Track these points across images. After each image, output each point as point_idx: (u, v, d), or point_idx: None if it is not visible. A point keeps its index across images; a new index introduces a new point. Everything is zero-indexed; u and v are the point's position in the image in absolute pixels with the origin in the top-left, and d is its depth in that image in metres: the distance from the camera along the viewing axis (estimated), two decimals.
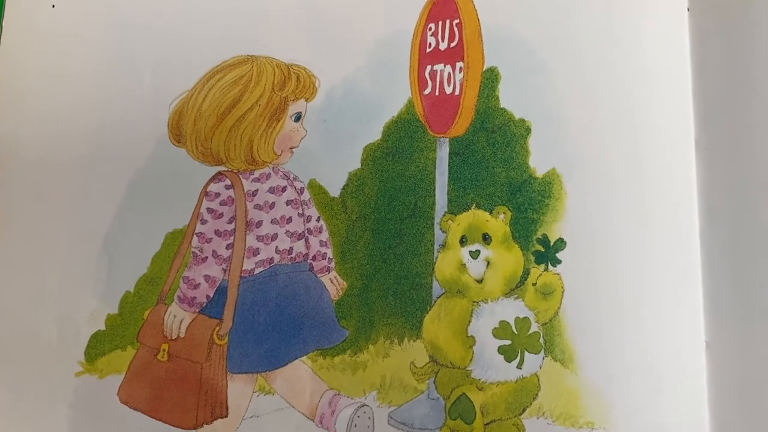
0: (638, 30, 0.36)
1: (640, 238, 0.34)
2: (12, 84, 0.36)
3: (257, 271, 0.34)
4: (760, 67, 0.36)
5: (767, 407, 0.34)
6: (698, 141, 0.36)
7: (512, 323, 0.33)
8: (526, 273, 0.33)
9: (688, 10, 0.38)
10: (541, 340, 0.33)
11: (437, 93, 0.35)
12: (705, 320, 0.34)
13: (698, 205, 0.35)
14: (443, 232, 0.34)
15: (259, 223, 0.34)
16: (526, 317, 0.33)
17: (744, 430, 0.34)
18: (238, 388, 0.33)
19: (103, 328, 0.34)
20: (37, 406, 0.34)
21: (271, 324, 0.33)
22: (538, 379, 0.33)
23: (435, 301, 0.33)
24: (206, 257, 0.34)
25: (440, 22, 0.35)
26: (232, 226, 0.34)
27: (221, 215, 0.34)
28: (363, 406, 0.33)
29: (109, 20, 0.37)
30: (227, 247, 0.34)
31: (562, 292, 0.33)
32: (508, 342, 0.33)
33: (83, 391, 0.34)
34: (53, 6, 0.38)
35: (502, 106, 0.35)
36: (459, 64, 0.35)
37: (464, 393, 0.32)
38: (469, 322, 0.33)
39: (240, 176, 0.34)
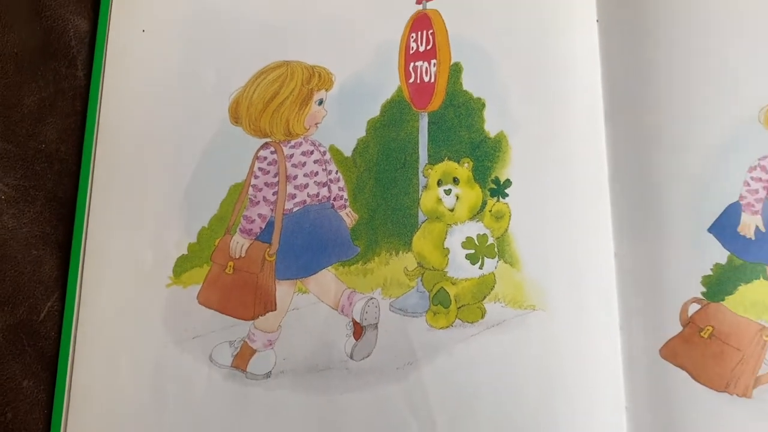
0: (560, 35, 0.48)
1: (562, 178, 0.45)
2: (117, 83, 0.50)
3: (295, 209, 0.46)
4: (651, 62, 0.48)
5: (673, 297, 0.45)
6: (606, 112, 0.48)
7: (475, 238, 0.45)
8: (484, 203, 0.45)
9: (597, 21, 0.51)
10: (496, 249, 0.45)
11: (418, 81, 0.47)
12: (613, 233, 0.45)
13: (606, 155, 0.48)
14: (425, 177, 0.46)
15: (295, 177, 0.47)
16: (484, 234, 0.45)
17: (647, 314, 0.46)
18: (283, 290, 0.45)
19: (186, 252, 0.46)
20: (138, 310, 0.46)
21: (305, 245, 0.46)
22: (494, 276, 0.44)
23: (420, 225, 0.45)
24: (258, 201, 0.46)
25: (420, 32, 0.48)
26: (276, 179, 0.47)
27: (268, 172, 0.47)
28: (371, 299, 0.44)
29: (185, 38, 0.49)
30: (273, 194, 0.47)
31: (510, 215, 0.45)
32: (472, 251, 0.45)
33: (172, 298, 0.45)
34: (143, 30, 0.52)
35: (464, 89, 0.46)
36: (433, 61, 0.48)
37: (443, 287, 0.44)
38: (445, 238, 0.45)
39: (281, 145, 0.47)
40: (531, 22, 0.48)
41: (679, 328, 0.44)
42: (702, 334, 0.44)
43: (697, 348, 0.43)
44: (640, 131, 0.47)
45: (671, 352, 0.43)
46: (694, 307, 0.44)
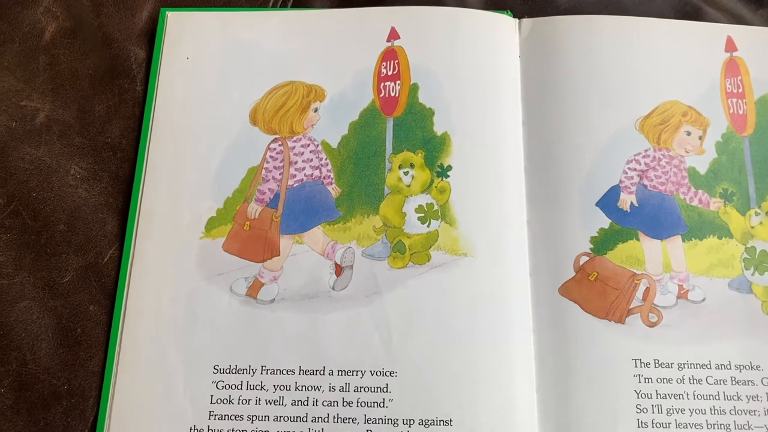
0: (491, 65, 0.64)
1: (490, 165, 0.61)
2: (166, 96, 0.64)
3: (295, 185, 0.62)
4: (557, 84, 0.65)
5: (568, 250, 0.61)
6: (524, 119, 0.64)
7: (425, 205, 0.60)
8: (431, 182, 0.60)
9: (520, 57, 0.69)
10: (439, 213, 0.60)
11: (387, 96, 0.64)
12: (526, 205, 0.61)
13: (523, 150, 0.64)
14: (390, 163, 0.61)
15: (296, 162, 0.63)
16: (431, 203, 0.60)
17: (549, 263, 0.61)
18: (285, 242, 0.60)
19: (214, 215, 0.59)
20: (177, 256, 0.58)
21: (302, 210, 0.61)
22: (438, 232, 0.58)
23: (386, 197, 0.60)
24: (269, 179, 0.62)
25: (388, 62, 0.65)
26: (282, 164, 0.63)
27: (276, 159, 0.63)
28: (349, 247, 0.58)
29: (217, 63, 0.64)
30: (279, 174, 0.62)
31: (450, 190, 0.60)
32: (422, 215, 0.60)
33: (203, 247, 0.58)
34: (187, 58, 0.69)
35: (420, 101, 0.62)
36: (398, 82, 0.64)
37: (400, 239, 0.58)
38: (403, 205, 0.61)
39: (286, 140, 0.64)
40: (469, 56, 0.64)
41: (572, 273, 0.59)
42: (590, 278, 0.59)
43: (585, 288, 0.59)
44: (548, 133, 0.63)
45: (567, 290, 0.59)
46: (584, 259, 0.60)
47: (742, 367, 0.57)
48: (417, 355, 0.56)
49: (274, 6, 0.72)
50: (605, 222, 0.61)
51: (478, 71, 0.64)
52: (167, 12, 0.69)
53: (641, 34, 0.67)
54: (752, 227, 0.61)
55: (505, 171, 0.62)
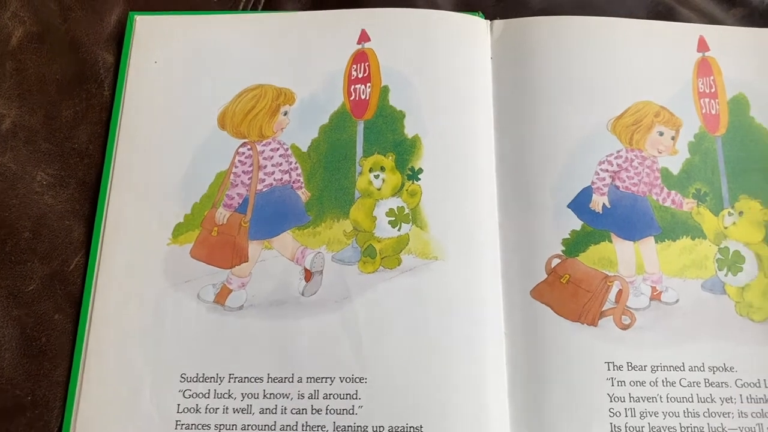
0: (462, 67, 0.63)
1: (461, 167, 0.60)
2: (134, 100, 0.64)
3: (264, 190, 0.61)
4: (529, 86, 0.64)
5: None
6: (495, 120, 0.63)
7: (395, 209, 0.60)
8: (402, 185, 0.60)
9: (491, 58, 0.68)
10: (410, 217, 0.60)
11: (357, 99, 0.63)
12: (498, 208, 0.60)
13: (495, 151, 0.63)
14: (360, 166, 0.61)
15: (265, 167, 0.62)
16: (402, 206, 0.60)
17: (522, 266, 0.61)
18: (254, 247, 0.59)
19: (182, 221, 0.59)
20: (145, 263, 0.58)
21: (271, 215, 0.60)
22: (408, 236, 0.58)
23: (356, 200, 0.59)
24: (237, 184, 0.62)
25: (359, 64, 0.65)
26: (251, 168, 0.62)
27: (245, 163, 0.62)
28: (319, 252, 0.57)
29: (186, 67, 0.63)
30: (248, 178, 0.62)
31: (421, 193, 0.59)
32: (393, 218, 0.59)
33: (171, 253, 0.58)
34: (155, 62, 0.68)
35: (390, 104, 0.62)
36: (368, 84, 0.64)
37: (371, 243, 0.58)
38: (374, 209, 0.60)
39: (255, 144, 0.63)
40: (440, 58, 0.64)
41: (544, 276, 0.59)
42: (562, 280, 0.59)
43: (557, 290, 0.58)
44: (520, 135, 0.63)
45: (539, 293, 0.58)
46: (556, 261, 0.59)
47: (715, 369, 0.57)
48: (387, 360, 0.56)
49: (245, 9, 0.71)
50: (577, 224, 0.60)
51: (449, 73, 0.64)
52: (136, 16, 0.68)
53: (613, 35, 0.66)
54: (725, 228, 0.61)
55: (476, 173, 0.61)
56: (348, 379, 0.55)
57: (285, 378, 0.55)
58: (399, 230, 0.59)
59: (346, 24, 0.66)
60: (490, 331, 0.57)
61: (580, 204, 0.61)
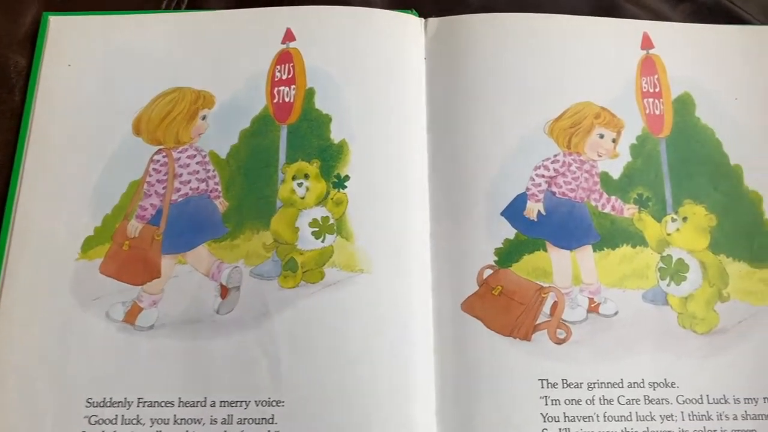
0: (394, 68, 0.60)
1: (391, 174, 0.57)
2: (45, 105, 0.60)
3: (179, 200, 0.58)
4: (463, 88, 0.60)
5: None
6: (428, 124, 0.60)
7: (319, 219, 0.56)
8: (327, 193, 0.56)
9: (425, 58, 0.64)
10: (335, 227, 0.56)
11: (281, 101, 0.60)
12: (430, 217, 0.57)
13: (427, 157, 0.60)
14: (283, 174, 0.57)
15: (181, 175, 0.58)
16: (327, 216, 0.56)
17: (452, 277, 0.57)
18: (167, 262, 0.55)
19: (92, 234, 0.56)
20: (52, 279, 0.54)
21: (186, 227, 0.56)
22: (333, 248, 0.55)
23: (277, 210, 0.56)
24: (151, 194, 0.58)
25: (283, 65, 0.61)
26: (166, 177, 0.58)
27: (160, 171, 0.58)
28: (236, 267, 0.54)
29: (100, 70, 0.60)
30: (163, 188, 0.58)
31: (347, 202, 0.56)
32: (317, 229, 0.56)
33: (80, 269, 0.54)
34: (69, 65, 0.64)
35: (316, 107, 0.58)
36: (293, 86, 0.60)
37: (292, 256, 0.55)
38: (296, 220, 0.57)
39: (171, 151, 0.59)
40: (371, 58, 0.61)
41: (476, 288, 0.56)
42: (493, 292, 0.56)
43: (489, 303, 0.55)
44: (454, 139, 0.59)
45: (470, 306, 0.55)
46: (488, 272, 0.56)
47: (656, 385, 0.54)
48: (307, 382, 0.52)
49: (168, 8, 0.67)
50: (511, 232, 0.57)
51: (379, 74, 0.61)
52: (50, 16, 0.64)
53: (553, 33, 0.63)
54: (668, 234, 0.58)
55: (407, 180, 0.58)
56: (264, 403, 0.52)
57: (197, 402, 0.52)
58: (323, 242, 0.56)
59: (271, 23, 0.62)
60: (418, 348, 0.54)
61: (514, 211, 0.57)
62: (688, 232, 0.58)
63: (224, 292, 0.55)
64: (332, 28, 0.62)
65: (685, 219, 0.58)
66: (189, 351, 0.53)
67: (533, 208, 0.58)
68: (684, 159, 0.60)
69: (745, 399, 0.54)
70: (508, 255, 0.56)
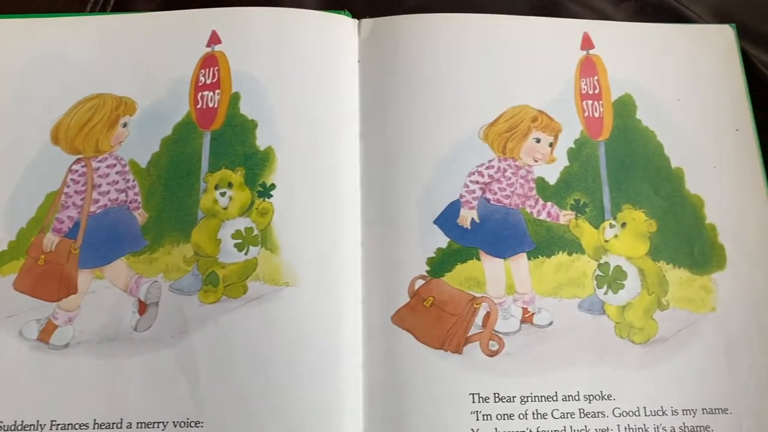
0: (325, 71, 0.58)
1: (320, 182, 0.55)
2: None
3: (97, 211, 0.55)
4: (397, 94, 0.58)
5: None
6: (361, 131, 0.59)
7: (243, 230, 0.54)
8: (252, 203, 0.54)
9: (359, 61, 0.62)
10: (259, 239, 0.54)
11: (204, 107, 0.58)
12: (361, 226, 0.54)
13: (359, 164, 0.58)
14: (205, 183, 0.55)
15: (100, 185, 0.56)
16: (251, 227, 0.54)
17: (383, 289, 0.55)
18: (84, 277, 0.53)
19: (6, 248, 0.53)
20: None
21: (104, 240, 0.54)
22: (257, 260, 0.53)
23: (199, 221, 0.54)
24: (69, 206, 0.55)
25: (208, 69, 0.59)
26: (85, 187, 0.56)
27: (78, 182, 0.56)
28: (155, 282, 0.52)
29: (18, 77, 0.57)
30: (81, 199, 0.56)
31: (272, 212, 0.54)
32: (240, 241, 0.54)
33: None
34: None
35: (241, 113, 0.56)
36: (217, 91, 0.58)
37: (214, 270, 0.52)
38: (218, 231, 0.55)
39: (90, 160, 0.57)
40: (300, 61, 0.59)
41: (407, 299, 0.54)
42: (425, 303, 0.54)
43: (420, 314, 0.53)
44: (387, 145, 0.57)
45: (400, 318, 0.53)
46: (419, 282, 0.54)
47: (591, 398, 0.52)
48: (228, 401, 0.50)
49: (93, 10, 0.64)
50: (443, 241, 0.55)
51: (309, 78, 0.58)
52: None
53: (490, 33, 0.61)
54: (606, 241, 0.56)
55: (338, 188, 0.56)
56: (182, 424, 0.49)
57: (113, 423, 0.50)
58: (246, 254, 0.54)
59: (196, 25, 0.60)
60: (345, 364, 0.52)
61: (446, 219, 0.55)
62: (626, 238, 0.56)
63: (142, 308, 0.52)
64: (259, 30, 0.59)
65: (623, 225, 0.56)
66: (105, 370, 0.51)
67: (467, 216, 0.56)
68: (623, 163, 0.58)
69: (683, 410, 0.52)
70: (440, 265, 0.54)
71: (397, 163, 0.57)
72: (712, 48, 0.64)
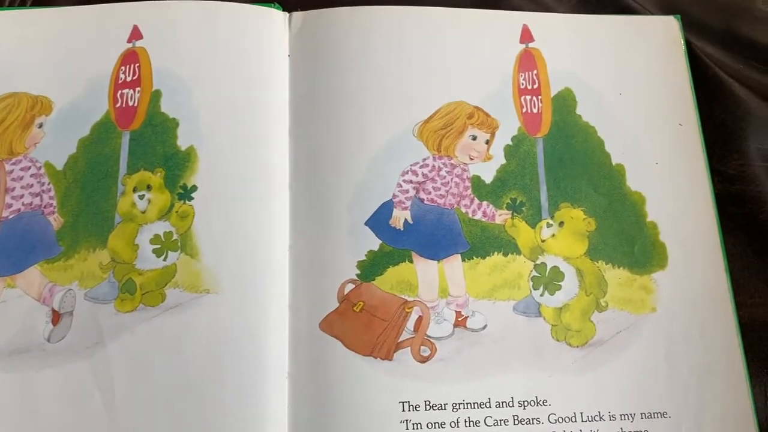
0: (253, 67, 0.55)
1: (246, 183, 0.52)
2: None
3: (10, 217, 0.53)
4: (328, 90, 0.56)
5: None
6: (290, 129, 0.57)
7: (162, 235, 0.52)
8: (172, 206, 0.52)
9: (289, 56, 0.59)
10: (179, 243, 0.52)
11: (124, 105, 0.55)
12: (289, 229, 0.52)
13: (288, 164, 0.55)
14: (123, 185, 0.53)
15: (13, 189, 0.53)
16: (170, 231, 0.52)
17: (312, 294, 0.53)
18: None
19: None
20: None
21: (16, 247, 0.51)
22: (176, 266, 0.50)
23: (116, 226, 0.51)
24: None
25: (129, 65, 0.57)
26: None
27: None
28: (69, 290, 0.50)
29: None
30: None
31: (193, 215, 0.51)
32: (158, 246, 0.52)
33: None
34: None
35: (162, 111, 0.54)
36: (138, 89, 0.55)
37: (131, 277, 0.50)
38: (136, 236, 0.52)
39: (3, 162, 0.54)
40: (227, 57, 0.56)
41: (336, 305, 0.52)
42: (354, 308, 0.52)
43: (349, 320, 0.51)
44: (318, 143, 0.55)
45: (328, 324, 0.51)
46: (349, 287, 0.52)
47: (526, 404, 0.50)
48: (145, 415, 0.48)
49: (12, 5, 0.61)
50: (375, 243, 0.53)
51: (236, 74, 0.56)
52: None
53: (426, 27, 0.59)
54: (543, 241, 0.54)
55: (264, 189, 0.54)
56: None
57: None
58: (165, 260, 0.51)
59: (116, 20, 0.57)
60: (271, 374, 0.49)
61: (378, 221, 0.53)
62: (564, 237, 0.54)
63: (56, 317, 0.50)
64: (183, 25, 0.57)
65: (561, 224, 0.55)
66: (16, 385, 0.48)
67: (400, 217, 0.54)
68: (562, 160, 0.57)
69: (621, 415, 0.51)
70: (371, 268, 0.52)
71: (328, 163, 0.55)
72: (656, 40, 0.62)
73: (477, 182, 0.55)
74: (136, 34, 0.56)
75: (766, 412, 0.53)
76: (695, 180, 0.58)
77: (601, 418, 0.50)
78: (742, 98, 0.62)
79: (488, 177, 0.55)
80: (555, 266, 0.54)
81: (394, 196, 0.54)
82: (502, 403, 0.50)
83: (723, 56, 0.65)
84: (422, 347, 0.51)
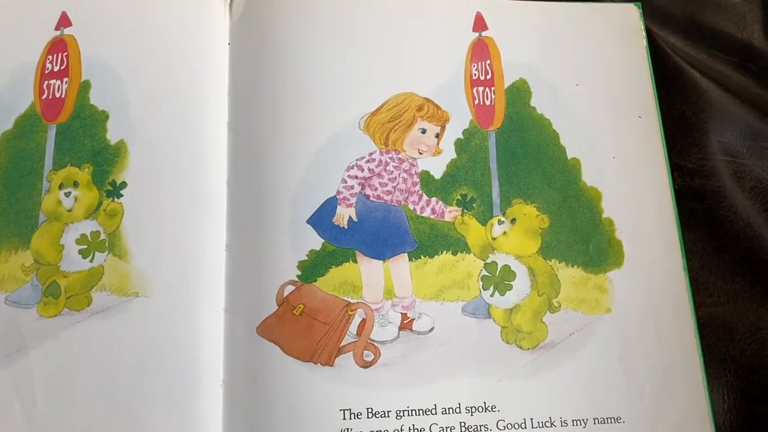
0: (192, 56, 0.52)
1: (181, 180, 0.49)
2: None
3: None
4: (270, 81, 0.53)
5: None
6: (229, 122, 0.53)
7: (88, 235, 0.49)
8: (99, 203, 0.49)
9: (229, 44, 0.57)
10: (107, 244, 0.49)
11: (50, 97, 0.51)
12: (226, 227, 0.49)
13: (227, 160, 0.53)
14: (48, 182, 0.50)
15: None
16: (98, 230, 0.49)
17: (249, 296, 0.51)
18: None
19: None
20: None
21: None
22: (103, 268, 0.48)
23: (40, 225, 0.49)
24: None
25: (56, 54, 0.53)
26: None
27: None
28: None
29: None
30: None
31: (122, 213, 0.49)
32: (85, 246, 0.49)
33: None
34: None
35: (91, 103, 0.50)
36: (65, 79, 0.51)
37: (55, 280, 0.47)
38: (61, 236, 0.49)
39: None
40: (162, 45, 0.53)
41: (275, 308, 0.49)
42: (294, 311, 0.49)
43: (288, 324, 0.49)
44: (258, 137, 0.52)
45: (266, 329, 0.48)
46: (289, 289, 0.49)
47: (474, 410, 0.48)
48: (69, 426, 0.45)
49: None
50: (317, 242, 0.50)
51: (171, 64, 0.53)
52: None
53: (376, 14, 0.56)
54: (494, 238, 0.52)
55: (200, 185, 0.51)
56: None
57: None
58: (91, 261, 0.48)
59: (43, 5, 0.54)
60: (204, 382, 0.47)
61: (321, 218, 0.51)
62: (516, 235, 0.52)
63: None
64: (115, 11, 0.54)
65: (513, 221, 0.52)
66: None
67: (344, 214, 0.51)
68: (515, 154, 0.54)
69: (573, 421, 0.49)
70: (313, 268, 0.50)
71: (270, 157, 0.52)
72: (614, 28, 0.60)
73: (426, 178, 0.53)
74: (64, 20, 0.53)
75: (724, 415, 0.51)
76: (654, 175, 0.56)
77: (552, 423, 0.48)
78: (704, 89, 0.60)
79: (438, 172, 0.53)
80: (506, 265, 0.51)
81: (338, 192, 0.51)
82: (449, 409, 0.48)
83: (685, 45, 0.63)
84: (365, 351, 0.48)
